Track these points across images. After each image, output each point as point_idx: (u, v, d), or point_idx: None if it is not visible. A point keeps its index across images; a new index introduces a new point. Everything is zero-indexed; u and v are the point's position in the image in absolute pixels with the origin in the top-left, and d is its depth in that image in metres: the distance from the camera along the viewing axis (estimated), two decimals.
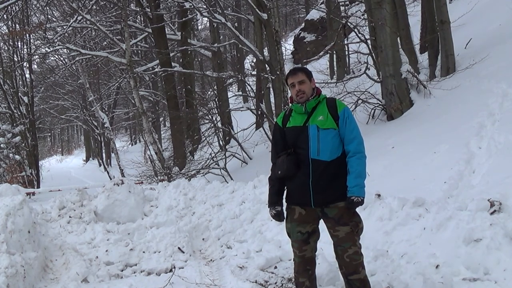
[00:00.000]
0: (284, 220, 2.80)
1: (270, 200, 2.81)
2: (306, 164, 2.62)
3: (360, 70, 9.15)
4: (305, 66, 2.94)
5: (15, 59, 16.06)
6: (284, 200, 2.81)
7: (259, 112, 10.98)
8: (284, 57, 12.48)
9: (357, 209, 2.66)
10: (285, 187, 2.78)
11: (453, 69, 8.12)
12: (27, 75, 17.24)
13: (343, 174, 2.61)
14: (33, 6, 15.21)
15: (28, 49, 16.60)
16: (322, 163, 2.59)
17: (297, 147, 2.67)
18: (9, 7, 12.71)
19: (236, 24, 18.18)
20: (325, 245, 3.26)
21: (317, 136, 2.61)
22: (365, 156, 2.63)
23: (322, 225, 2.76)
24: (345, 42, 11.05)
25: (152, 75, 14.39)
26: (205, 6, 11.31)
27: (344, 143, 2.64)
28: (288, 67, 15.50)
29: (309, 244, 2.73)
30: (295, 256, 2.78)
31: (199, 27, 21.91)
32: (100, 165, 23.58)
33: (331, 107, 2.65)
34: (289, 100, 2.81)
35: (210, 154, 9.69)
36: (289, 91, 9.89)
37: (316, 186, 2.60)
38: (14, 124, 15.16)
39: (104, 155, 23.28)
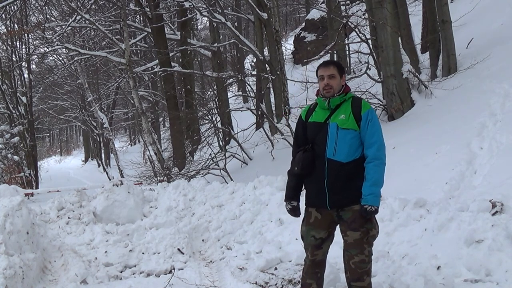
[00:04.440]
0: (300, 216, 2.76)
1: (286, 194, 2.76)
2: (322, 163, 2.57)
3: (361, 70, 9.10)
4: (338, 61, 2.86)
5: (14, 59, 16.01)
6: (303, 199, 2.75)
7: (259, 112, 10.95)
8: (284, 57, 12.46)
9: None
10: (303, 184, 2.74)
11: (454, 69, 8.08)
12: (26, 75, 17.20)
13: (360, 177, 2.54)
14: (32, 5, 15.16)
15: (27, 49, 16.57)
16: (338, 164, 2.53)
17: (315, 144, 2.61)
18: (7, 6, 12.68)
19: (236, 24, 18.16)
20: None
21: (335, 135, 2.55)
22: (384, 163, 2.55)
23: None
24: (346, 41, 11.01)
25: (152, 75, 14.35)
26: (205, 6, 11.29)
27: (364, 146, 2.56)
28: (288, 67, 15.50)
29: (321, 249, 2.69)
30: (306, 258, 2.75)
31: (199, 27, 21.89)
32: (99, 165, 23.55)
33: (355, 107, 2.58)
34: (316, 93, 2.74)
35: (210, 154, 9.66)
36: (289, 90, 9.72)
37: (331, 187, 2.55)
38: (13, 125, 15.13)
39: (103, 155, 23.22)
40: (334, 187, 2.54)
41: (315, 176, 2.59)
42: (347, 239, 2.58)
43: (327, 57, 14.29)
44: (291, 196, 2.73)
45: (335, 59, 13.88)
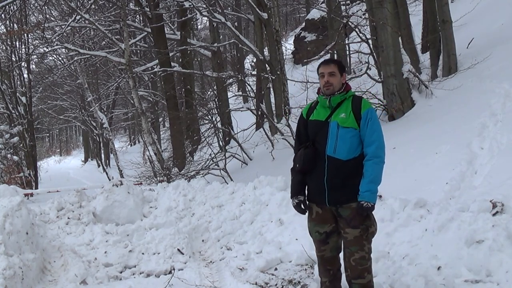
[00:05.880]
0: (307, 212, 2.78)
1: (292, 191, 2.79)
2: (322, 161, 2.61)
3: (361, 70, 9.11)
4: (339, 60, 2.90)
5: (13, 59, 15.98)
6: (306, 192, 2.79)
7: (259, 113, 10.94)
8: (284, 57, 12.46)
9: None
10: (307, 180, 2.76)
11: (455, 69, 8.09)
12: (25, 75, 17.15)
13: (359, 175, 2.57)
14: (31, 5, 15.14)
15: (26, 49, 16.51)
16: (338, 161, 2.57)
17: (316, 142, 2.66)
18: (7, 6, 12.67)
19: (236, 24, 18.16)
20: None
21: (336, 134, 2.58)
22: (383, 161, 2.58)
23: None
24: (346, 41, 11.01)
25: (151, 75, 14.34)
26: (204, 6, 11.29)
27: (363, 145, 2.59)
28: (288, 67, 15.49)
29: (328, 244, 2.72)
30: (316, 255, 2.82)
31: (199, 27, 21.86)
32: (99, 166, 23.53)
33: (356, 106, 2.61)
34: (317, 91, 2.78)
35: (210, 154, 9.64)
36: (289, 90, 9.78)
37: (331, 184, 2.58)
38: (12, 125, 15.08)
39: (103, 155, 23.18)
40: (333, 185, 2.58)
41: (315, 173, 2.64)
42: (347, 236, 2.61)
43: (327, 57, 14.31)
44: (297, 191, 2.74)
45: (336, 59, 13.89)
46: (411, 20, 8.93)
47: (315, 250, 2.81)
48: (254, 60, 14.56)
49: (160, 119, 21.08)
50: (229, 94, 14.67)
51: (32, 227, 4.17)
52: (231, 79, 13.33)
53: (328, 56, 14.27)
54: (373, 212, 3.83)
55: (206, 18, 13.72)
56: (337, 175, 2.57)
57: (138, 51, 18.12)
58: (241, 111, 11.70)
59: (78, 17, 10.64)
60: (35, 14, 16.16)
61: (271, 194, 4.99)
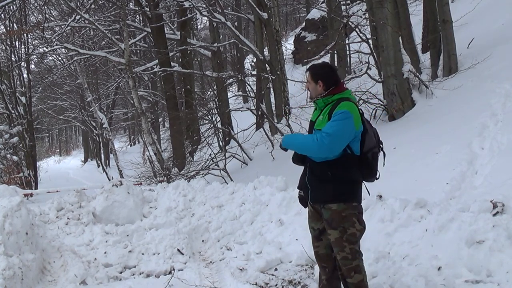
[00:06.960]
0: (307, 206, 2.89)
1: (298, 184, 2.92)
2: (307, 160, 2.74)
3: (362, 70, 9.10)
4: (319, 65, 2.82)
5: (13, 59, 15.98)
6: None
7: (259, 113, 10.94)
8: (284, 57, 12.48)
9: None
10: None
11: (455, 69, 8.09)
12: (25, 75, 17.16)
13: (335, 178, 2.58)
14: (31, 5, 15.13)
15: (26, 49, 16.52)
16: (313, 163, 2.68)
17: None
18: (6, 6, 12.66)
19: (236, 24, 18.15)
20: None
21: (315, 135, 2.67)
22: (316, 145, 2.51)
23: None
24: (346, 41, 11.01)
25: (151, 75, 14.33)
26: (204, 5, 11.29)
27: None
28: (288, 67, 15.50)
29: (321, 241, 2.79)
30: (313, 251, 2.89)
31: (199, 27, 21.85)
32: (98, 166, 23.53)
33: (332, 109, 2.62)
34: None
35: (210, 155, 9.64)
36: (289, 90, 9.81)
37: (310, 183, 2.71)
38: (12, 125, 15.08)
39: (102, 156, 23.19)
40: (312, 184, 2.69)
41: (304, 171, 2.79)
42: (330, 237, 2.67)
43: (327, 57, 14.31)
44: (299, 185, 2.88)
45: (336, 59, 13.89)
46: (411, 20, 8.93)
47: (312, 246, 2.88)
48: (254, 60, 14.56)
49: (160, 119, 21.08)
50: (229, 94, 14.66)
51: (32, 227, 4.16)
52: (231, 79, 13.34)
53: (328, 56, 14.29)
54: (373, 212, 3.87)
55: (206, 18, 13.72)
56: (313, 175, 2.67)
57: (138, 51, 18.11)
58: (241, 111, 11.69)
59: (78, 17, 10.63)
60: (35, 14, 16.15)
61: (271, 194, 4.98)
